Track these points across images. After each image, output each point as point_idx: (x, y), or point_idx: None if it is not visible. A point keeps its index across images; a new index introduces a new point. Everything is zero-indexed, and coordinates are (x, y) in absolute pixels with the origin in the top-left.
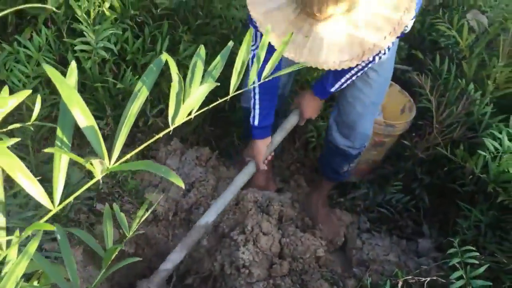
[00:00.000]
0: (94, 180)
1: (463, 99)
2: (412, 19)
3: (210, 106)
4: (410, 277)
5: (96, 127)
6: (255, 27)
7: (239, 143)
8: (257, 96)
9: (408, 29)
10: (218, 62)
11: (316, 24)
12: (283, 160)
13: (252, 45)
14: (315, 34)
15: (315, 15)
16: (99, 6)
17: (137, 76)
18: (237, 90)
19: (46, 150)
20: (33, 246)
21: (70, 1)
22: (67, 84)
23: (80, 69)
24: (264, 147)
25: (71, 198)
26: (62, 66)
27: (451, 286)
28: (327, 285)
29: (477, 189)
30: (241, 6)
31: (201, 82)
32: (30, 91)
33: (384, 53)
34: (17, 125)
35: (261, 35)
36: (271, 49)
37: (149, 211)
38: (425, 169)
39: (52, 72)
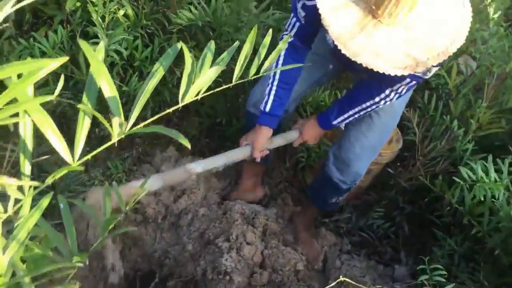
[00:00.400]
0: (109, 143)
1: (447, 135)
2: (436, 67)
3: (216, 90)
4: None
5: (117, 96)
6: (296, 17)
7: None
8: (275, 82)
9: (430, 74)
10: (225, 56)
11: (379, 26)
12: (272, 178)
13: (285, 32)
14: (376, 37)
15: (381, 17)
16: (114, 13)
17: (142, 82)
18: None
19: (78, 106)
20: (45, 201)
21: (88, 5)
22: (97, 58)
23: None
24: (266, 136)
25: (89, 156)
26: (72, 65)
27: None
28: None
29: (454, 221)
30: (249, 31)
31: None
32: (68, 57)
33: (393, 98)
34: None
35: (300, 25)
36: (299, 50)
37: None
38: (407, 198)
39: (85, 46)
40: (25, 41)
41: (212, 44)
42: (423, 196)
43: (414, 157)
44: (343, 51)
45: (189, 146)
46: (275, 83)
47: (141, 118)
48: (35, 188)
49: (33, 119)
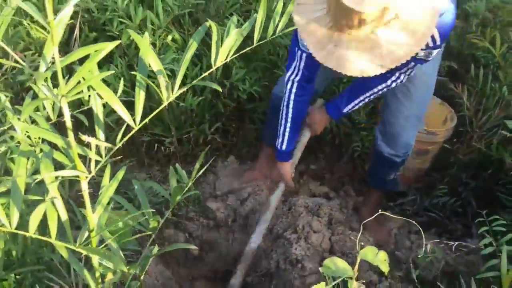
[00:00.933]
0: (162, 106)
1: (499, 103)
2: (437, 49)
3: (242, 51)
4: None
5: (163, 68)
6: (300, 49)
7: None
8: (288, 124)
9: (431, 57)
10: (247, 25)
11: (344, 35)
12: (333, 173)
13: (291, 70)
14: (342, 44)
15: (343, 28)
16: (163, 39)
17: (196, 98)
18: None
19: (135, 73)
20: (121, 173)
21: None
22: (144, 41)
23: (148, 94)
24: (289, 167)
25: (146, 120)
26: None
27: (482, 251)
28: (375, 276)
29: None
30: (284, 34)
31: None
32: (119, 41)
33: (409, 74)
34: (108, 72)
35: (307, 54)
36: (306, 87)
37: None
38: (470, 173)
39: (134, 34)
40: None
41: (234, 18)
42: (486, 168)
43: (470, 131)
44: (317, 59)
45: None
46: (288, 124)
47: (200, 130)
48: (109, 150)
49: (100, 94)
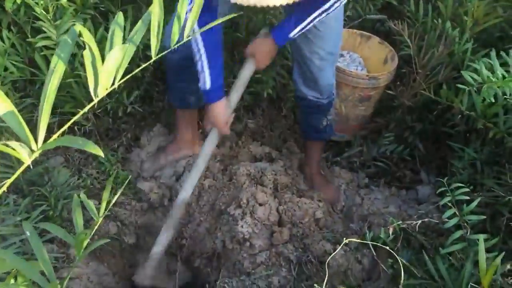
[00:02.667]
0: (23, 167)
1: (442, 39)
2: None
3: (133, 72)
4: (400, 222)
5: (17, 113)
6: None
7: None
8: (203, 56)
9: None
10: (140, 27)
11: None
12: (272, 129)
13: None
14: None
15: None
16: (57, 1)
17: None
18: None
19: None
20: None
21: (28, 0)
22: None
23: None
24: (222, 109)
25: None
26: (32, 67)
27: (446, 225)
28: (329, 246)
29: (468, 128)
30: None
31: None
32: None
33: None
34: None
35: None
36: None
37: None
38: (415, 116)
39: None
40: None
41: (120, 16)
42: (431, 110)
43: (413, 72)
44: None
45: (101, 154)
46: (204, 57)
47: (117, 104)
48: None
49: None
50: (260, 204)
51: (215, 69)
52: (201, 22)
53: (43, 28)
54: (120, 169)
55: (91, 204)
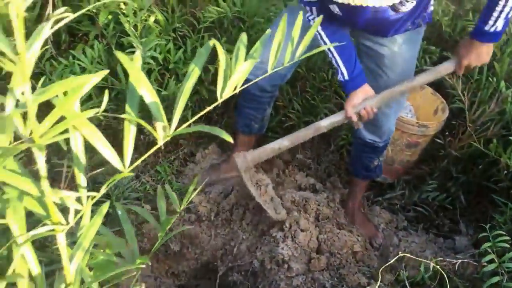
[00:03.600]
0: (156, 147)
1: (495, 97)
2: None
3: (252, 82)
4: (440, 258)
5: (159, 101)
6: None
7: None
8: (335, 54)
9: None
10: (258, 47)
11: None
12: (319, 163)
13: (308, 14)
14: None
15: None
16: (145, 21)
17: (179, 85)
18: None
19: (123, 116)
20: (104, 208)
21: (120, 17)
22: (135, 67)
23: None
24: (362, 95)
25: (138, 162)
26: (112, 77)
27: (484, 269)
28: (364, 279)
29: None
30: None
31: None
32: (107, 71)
33: None
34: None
35: (316, 9)
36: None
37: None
38: (460, 167)
39: (122, 57)
40: (65, 59)
41: (243, 37)
42: (477, 163)
43: (463, 125)
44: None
45: (231, 140)
46: (334, 51)
47: (182, 119)
48: (92, 198)
49: (82, 133)
50: (302, 230)
51: (349, 60)
52: (325, 28)
53: (132, 43)
54: (174, 180)
55: (174, 195)
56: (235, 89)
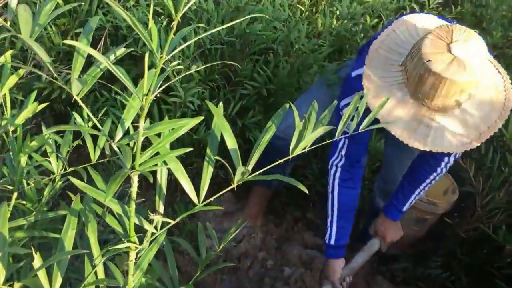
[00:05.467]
0: (230, 188)
1: (505, 187)
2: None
3: (313, 147)
4: None
5: (237, 148)
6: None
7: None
8: (335, 214)
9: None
10: (326, 114)
11: (434, 115)
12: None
13: (335, 156)
14: (436, 124)
15: (432, 106)
16: (188, 69)
17: (209, 132)
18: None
19: (204, 167)
20: (162, 237)
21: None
22: (220, 114)
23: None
24: (339, 268)
25: (212, 198)
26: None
27: None
28: None
29: None
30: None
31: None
32: (202, 117)
33: (451, 161)
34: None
35: (348, 145)
36: (353, 172)
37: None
38: (465, 249)
39: (211, 106)
40: (107, 93)
41: (315, 105)
42: (482, 247)
43: (472, 208)
44: (410, 145)
45: (307, 192)
46: (335, 214)
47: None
48: (167, 224)
49: (169, 167)
50: (307, 287)
51: (344, 227)
52: (344, 181)
53: (174, 87)
54: (187, 222)
55: (213, 232)
56: (304, 148)
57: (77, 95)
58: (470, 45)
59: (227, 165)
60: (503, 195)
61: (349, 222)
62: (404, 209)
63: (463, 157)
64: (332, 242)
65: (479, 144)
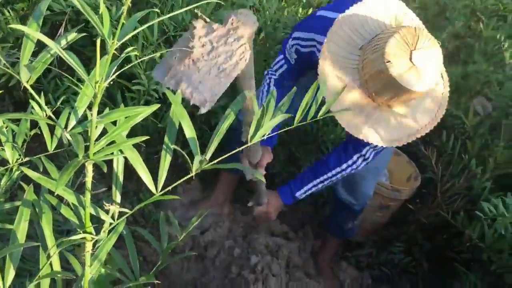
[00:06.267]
0: (188, 176)
1: (465, 173)
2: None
3: (281, 130)
4: None
5: (195, 136)
6: (285, 59)
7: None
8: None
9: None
10: (285, 101)
11: (377, 108)
12: (294, 211)
13: (271, 69)
14: (374, 116)
15: (380, 104)
16: (151, 55)
17: None
18: None
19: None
20: (121, 226)
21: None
22: (179, 103)
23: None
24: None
25: (169, 188)
26: (109, 101)
27: None
28: None
29: (473, 257)
30: None
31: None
32: (159, 105)
33: (360, 165)
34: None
35: (287, 67)
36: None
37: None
38: (426, 234)
39: (169, 94)
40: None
41: (273, 92)
42: (442, 232)
43: (433, 194)
44: (345, 128)
45: (264, 180)
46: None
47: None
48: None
49: (126, 156)
50: (273, 275)
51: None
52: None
53: (138, 74)
54: (153, 211)
55: (175, 221)
56: (263, 136)
57: (27, 82)
58: (431, 54)
59: (184, 154)
60: (462, 182)
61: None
62: (297, 194)
63: (425, 144)
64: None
65: (405, 143)
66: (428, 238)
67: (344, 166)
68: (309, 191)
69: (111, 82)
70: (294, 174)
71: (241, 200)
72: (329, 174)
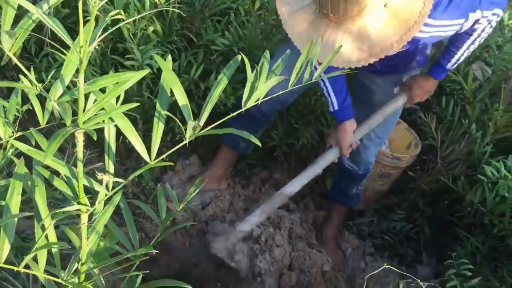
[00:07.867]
0: (182, 144)
1: (465, 138)
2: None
3: (271, 96)
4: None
5: (188, 103)
6: None
7: (254, 164)
8: (329, 86)
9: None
10: (279, 64)
11: (330, 25)
12: None
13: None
14: (328, 35)
15: (330, 16)
16: (144, 30)
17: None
18: None
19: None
20: (117, 198)
21: (121, 25)
22: (169, 68)
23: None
24: (350, 130)
25: (164, 155)
26: None
27: None
28: None
29: (475, 221)
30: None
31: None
32: (148, 70)
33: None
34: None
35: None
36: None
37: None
38: (427, 201)
39: (158, 58)
40: (60, 58)
41: (267, 54)
42: (443, 198)
43: (433, 161)
44: (298, 47)
45: (259, 144)
46: (329, 86)
47: (168, 130)
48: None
49: (117, 124)
50: (277, 246)
51: (340, 92)
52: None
53: (131, 50)
54: (153, 187)
55: (173, 193)
56: (257, 100)
57: (10, 51)
58: None
59: (177, 120)
60: (462, 147)
61: (342, 84)
62: (448, 66)
63: (424, 111)
64: (337, 106)
65: (365, 64)
66: (429, 205)
67: (477, 25)
68: (460, 59)
69: (99, 48)
70: (294, 146)
71: (241, 174)
72: (472, 38)
